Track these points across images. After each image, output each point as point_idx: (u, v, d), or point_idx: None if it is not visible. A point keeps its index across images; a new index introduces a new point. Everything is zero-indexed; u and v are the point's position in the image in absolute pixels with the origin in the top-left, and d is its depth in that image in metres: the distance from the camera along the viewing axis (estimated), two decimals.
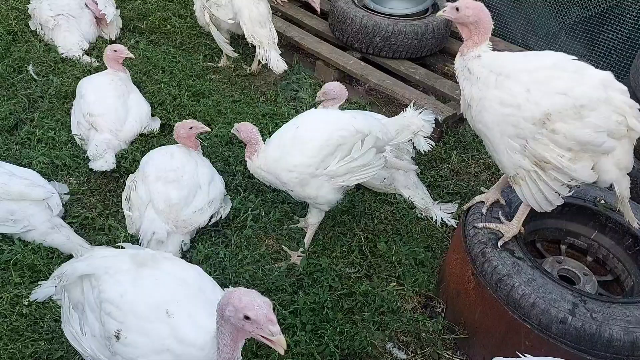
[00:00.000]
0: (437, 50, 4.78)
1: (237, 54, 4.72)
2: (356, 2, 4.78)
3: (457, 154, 4.05)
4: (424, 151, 3.48)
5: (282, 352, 1.77)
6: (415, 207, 3.53)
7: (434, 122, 3.25)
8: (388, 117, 3.71)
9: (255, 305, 1.72)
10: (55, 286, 2.53)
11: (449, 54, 4.91)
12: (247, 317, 1.72)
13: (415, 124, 3.12)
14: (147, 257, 2.19)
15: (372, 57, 4.72)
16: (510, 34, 5.06)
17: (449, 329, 2.89)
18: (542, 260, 2.83)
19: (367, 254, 3.23)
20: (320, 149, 2.80)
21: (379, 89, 4.48)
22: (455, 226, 3.43)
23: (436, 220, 3.48)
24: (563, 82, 2.31)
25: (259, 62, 4.54)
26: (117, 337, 2.00)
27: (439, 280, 3.09)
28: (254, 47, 4.44)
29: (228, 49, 4.66)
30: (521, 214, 2.62)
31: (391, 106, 4.60)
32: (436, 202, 3.60)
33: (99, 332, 2.10)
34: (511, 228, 2.64)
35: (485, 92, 2.41)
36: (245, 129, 2.99)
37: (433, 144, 3.49)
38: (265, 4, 4.46)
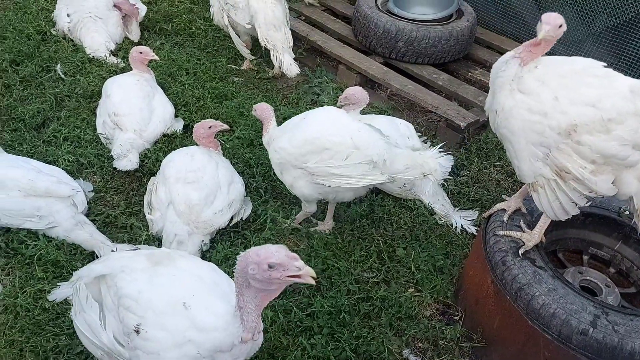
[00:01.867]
0: (461, 56, 4.76)
1: (253, 57, 4.76)
2: (380, 7, 4.78)
3: (478, 161, 4.02)
4: (438, 181, 3.51)
5: (313, 282, 1.81)
6: (435, 213, 3.51)
7: (449, 169, 3.24)
8: (409, 122, 3.72)
9: (274, 251, 1.77)
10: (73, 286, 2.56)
11: (472, 60, 4.88)
12: (271, 266, 1.76)
13: (430, 165, 3.02)
14: (163, 256, 2.23)
15: (394, 62, 4.72)
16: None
17: (467, 337, 2.87)
18: (564, 271, 2.79)
19: (386, 259, 3.22)
20: (305, 143, 2.89)
21: (400, 94, 4.48)
22: (476, 234, 3.40)
23: (456, 227, 3.45)
24: (592, 90, 2.27)
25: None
26: (137, 332, 2.01)
27: (457, 288, 3.06)
28: (267, 50, 4.46)
29: (245, 52, 4.71)
30: (543, 223, 2.59)
31: (412, 111, 4.58)
32: (456, 208, 3.57)
33: (118, 331, 2.12)
34: (532, 237, 2.61)
35: (518, 101, 2.39)
36: (261, 107, 3.25)
37: (449, 176, 3.51)
38: (282, 8, 4.49)
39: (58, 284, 2.79)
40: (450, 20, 4.72)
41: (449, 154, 3.27)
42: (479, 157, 4.06)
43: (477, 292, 2.76)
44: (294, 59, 4.45)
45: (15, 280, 2.89)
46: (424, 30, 4.50)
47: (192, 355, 1.96)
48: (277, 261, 1.76)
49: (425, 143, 3.71)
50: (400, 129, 3.55)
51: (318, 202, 3.22)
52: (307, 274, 1.78)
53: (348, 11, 5.39)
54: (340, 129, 2.90)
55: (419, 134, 3.75)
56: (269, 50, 4.46)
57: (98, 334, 2.19)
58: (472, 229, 3.44)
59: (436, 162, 3.04)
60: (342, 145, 2.86)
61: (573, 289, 2.44)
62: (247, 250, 1.85)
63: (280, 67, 4.62)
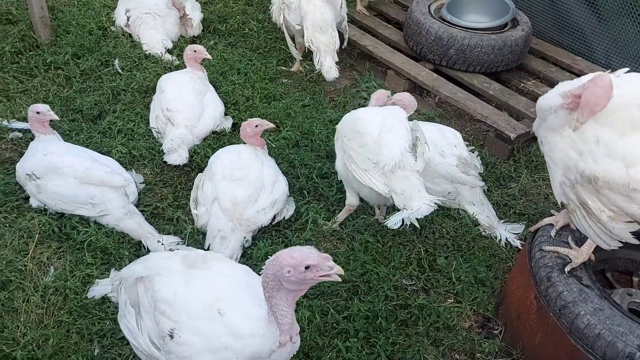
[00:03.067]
0: (514, 66, 4.66)
1: (301, 57, 4.81)
2: (432, 14, 4.74)
3: (527, 174, 3.93)
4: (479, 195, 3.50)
5: (340, 279, 1.90)
6: (480, 224, 3.45)
7: (422, 216, 2.89)
8: (457, 130, 3.67)
9: (308, 252, 1.84)
10: (112, 284, 2.63)
11: (525, 71, 4.78)
12: (307, 267, 1.84)
13: (414, 203, 2.82)
14: (198, 258, 2.25)
15: (445, 70, 4.67)
16: (593, 53, 4.85)
17: (506, 352, 2.80)
18: (612, 291, 2.70)
19: (426, 267, 3.19)
20: (351, 119, 3.12)
21: (450, 101, 4.42)
22: (520, 247, 3.32)
23: (500, 239, 3.38)
24: (635, 147, 2.13)
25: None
26: (171, 336, 2.04)
27: (498, 301, 3.00)
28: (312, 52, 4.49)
29: (294, 52, 4.78)
30: (592, 241, 2.51)
31: (461, 120, 4.52)
32: (502, 221, 3.50)
33: (154, 333, 2.16)
34: (580, 254, 2.53)
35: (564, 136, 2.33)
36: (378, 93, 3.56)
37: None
38: (332, 11, 4.49)
39: (96, 280, 2.85)
40: (505, 29, 4.63)
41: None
42: (527, 170, 3.96)
43: (519, 307, 2.70)
44: (336, 62, 4.44)
45: (66, 264, 3.02)
46: (477, 38, 4.43)
47: None
48: (313, 262, 1.83)
49: (473, 152, 3.65)
50: (448, 137, 3.51)
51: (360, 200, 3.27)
52: (336, 272, 1.87)
53: (400, 17, 5.38)
54: (379, 121, 3.00)
55: (467, 143, 3.69)
56: (312, 52, 4.49)
57: (137, 338, 2.23)
58: (517, 243, 3.36)
59: (422, 204, 2.84)
60: (368, 135, 2.97)
61: (621, 311, 2.35)
62: (275, 255, 1.91)
63: (320, 69, 4.56)
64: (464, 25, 4.59)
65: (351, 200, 3.28)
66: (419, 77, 4.53)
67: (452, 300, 3.05)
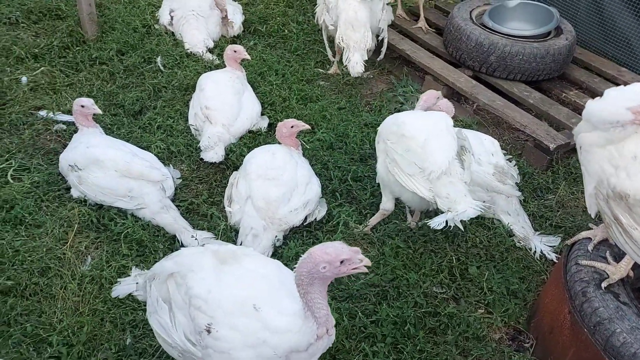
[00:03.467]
0: (556, 75, 4.56)
1: (337, 60, 4.82)
2: (474, 20, 4.69)
3: (565, 185, 3.84)
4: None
5: (367, 270, 1.98)
6: (514, 235, 3.39)
7: (466, 219, 2.89)
8: (494, 138, 3.62)
9: (341, 248, 1.93)
10: (137, 282, 2.64)
11: (568, 81, 4.67)
12: (342, 262, 1.91)
13: (460, 206, 2.83)
14: (228, 254, 2.27)
15: (484, 76, 4.61)
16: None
17: None
18: None
19: (457, 276, 3.15)
20: (395, 123, 3.06)
21: (488, 109, 4.36)
22: (556, 260, 3.25)
23: (535, 251, 3.31)
24: None
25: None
26: (209, 331, 2.07)
27: (530, 314, 2.94)
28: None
29: (329, 53, 4.80)
30: (630, 257, 2.44)
31: (499, 128, 4.46)
32: (537, 232, 3.43)
33: (189, 329, 2.17)
34: (618, 270, 2.46)
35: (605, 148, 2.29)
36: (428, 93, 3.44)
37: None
38: (368, 12, 4.46)
39: (118, 279, 2.85)
40: (548, 37, 4.54)
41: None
42: (566, 182, 3.88)
43: (552, 321, 2.64)
44: (365, 61, 4.41)
45: (103, 254, 3.10)
46: (519, 46, 4.36)
47: (268, 356, 2.01)
48: (347, 257, 1.91)
49: (510, 162, 3.59)
50: (485, 145, 3.47)
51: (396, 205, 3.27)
52: (364, 264, 1.95)
53: (440, 22, 5.33)
54: (425, 127, 2.98)
55: (504, 151, 3.64)
56: (343, 50, 4.48)
57: (171, 334, 2.24)
58: (552, 256, 3.29)
59: (468, 207, 2.84)
60: (413, 140, 2.94)
61: None
62: (308, 252, 1.95)
63: (346, 65, 4.49)
64: (506, 32, 4.52)
65: (387, 205, 3.27)
66: (458, 83, 4.49)
67: (482, 311, 3.01)
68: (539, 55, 4.34)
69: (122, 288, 2.73)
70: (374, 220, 3.38)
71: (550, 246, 3.35)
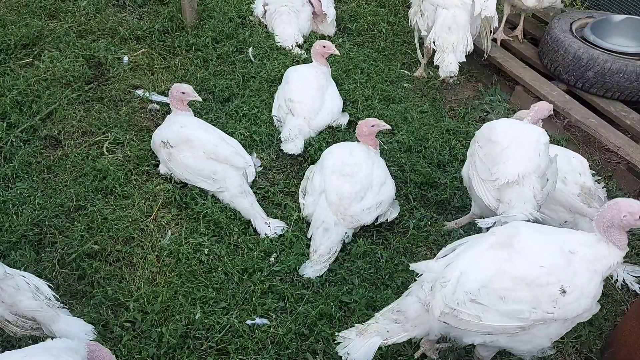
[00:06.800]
0: None
1: (424, 61, 4.76)
2: (574, 32, 4.48)
3: None
4: None
5: None
6: None
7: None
8: (584, 157, 3.45)
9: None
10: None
11: None
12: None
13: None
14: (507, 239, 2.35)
15: (579, 92, 4.40)
16: None
17: None
18: None
19: None
20: (487, 127, 3.06)
21: (580, 126, 4.16)
22: (638, 292, 3.06)
23: (617, 280, 3.12)
24: None
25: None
26: (564, 292, 2.19)
27: (605, 345, 2.79)
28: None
29: (419, 55, 4.76)
30: None
31: (590, 147, 4.23)
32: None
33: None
34: None
35: None
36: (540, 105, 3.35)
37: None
38: (467, 16, 4.32)
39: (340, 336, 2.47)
40: None
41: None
42: None
43: (630, 354, 2.49)
44: (459, 62, 4.30)
45: (182, 231, 3.26)
46: (621, 63, 4.12)
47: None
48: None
49: (599, 183, 3.40)
50: (573, 163, 3.30)
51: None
52: None
53: (537, 32, 5.13)
54: (514, 135, 2.93)
55: (593, 172, 3.45)
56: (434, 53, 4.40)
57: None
58: (636, 287, 3.09)
59: (519, 212, 2.78)
60: (497, 145, 2.90)
61: None
62: (614, 201, 2.29)
63: (439, 64, 4.38)
64: (608, 47, 4.29)
65: (475, 210, 3.24)
66: (549, 97, 4.31)
67: None
68: None
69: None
70: (462, 220, 3.37)
71: (635, 276, 3.14)
